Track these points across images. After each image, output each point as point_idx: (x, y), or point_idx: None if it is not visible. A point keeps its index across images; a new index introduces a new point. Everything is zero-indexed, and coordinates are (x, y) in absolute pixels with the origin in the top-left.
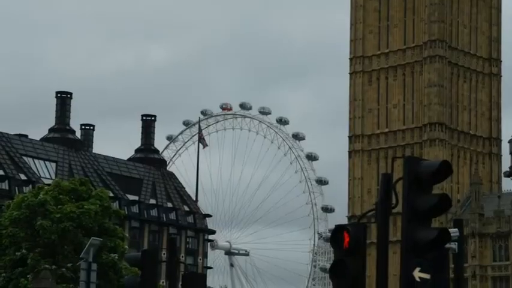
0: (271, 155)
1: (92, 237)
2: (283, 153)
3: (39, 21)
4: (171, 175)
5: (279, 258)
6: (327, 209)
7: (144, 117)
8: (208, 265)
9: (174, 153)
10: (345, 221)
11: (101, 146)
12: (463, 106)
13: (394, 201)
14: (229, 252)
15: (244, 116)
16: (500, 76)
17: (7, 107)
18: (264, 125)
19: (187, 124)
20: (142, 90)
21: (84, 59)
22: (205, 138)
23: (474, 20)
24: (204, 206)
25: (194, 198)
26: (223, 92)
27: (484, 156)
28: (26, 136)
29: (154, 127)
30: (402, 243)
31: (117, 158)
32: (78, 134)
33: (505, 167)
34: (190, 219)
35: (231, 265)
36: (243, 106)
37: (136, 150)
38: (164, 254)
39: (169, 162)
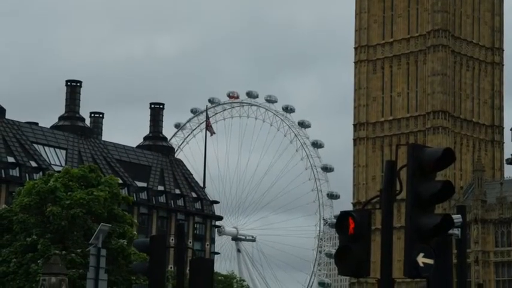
0: (278, 143)
1: (101, 223)
2: (289, 141)
3: (49, 10)
4: (179, 162)
5: (285, 244)
6: (332, 196)
7: (153, 105)
8: (216, 251)
9: (182, 141)
10: (350, 208)
11: (110, 133)
12: (466, 94)
13: (398, 187)
14: (236, 238)
15: (251, 104)
16: (503, 65)
17: (18, 96)
18: (271, 113)
19: (195, 112)
20: (151, 78)
21: (93, 48)
22: (213, 125)
23: (477, 9)
24: (211, 192)
25: (202, 185)
26: (230, 80)
27: (486, 144)
28: (37, 124)
29: (162, 115)
30: (406, 229)
31: (126, 146)
32: (87, 122)
33: (507, 154)
34: (197, 205)
35: (238, 250)
36: (249, 94)
37: (145, 138)
38: (172, 239)
39: (177, 149)
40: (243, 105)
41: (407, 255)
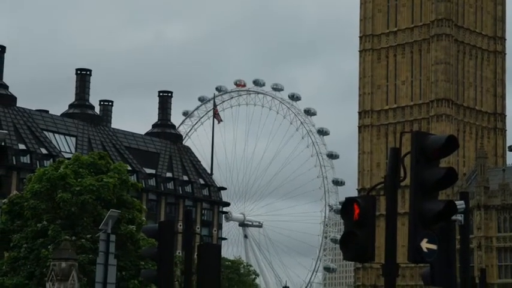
0: (284, 130)
1: (111, 209)
2: (295, 128)
3: None
4: (187, 149)
5: (291, 230)
6: (337, 182)
7: (161, 94)
8: (223, 236)
9: (189, 128)
10: (355, 194)
11: (119, 121)
12: (469, 83)
13: (402, 174)
14: (243, 224)
15: (258, 92)
16: (505, 54)
17: (29, 84)
18: (277, 101)
19: (202, 100)
20: (159, 67)
21: (102, 36)
22: (220, 113)
23: None
24: (218, 179)
25: (209, 172)
26: (237, 68)
27: (489, 131)
28: (47, 112)
29: (170, 103)
30: (410, 215)
31: (135, 133)
32: (97, 110)
33: (509, 141)
34: (205, 191)
35: (245, 236)
36: (256, 83)
37: (154, 125)
38: (180, 225)
39: (185, 136)
40: (249, 93)
41: (411, 241)
